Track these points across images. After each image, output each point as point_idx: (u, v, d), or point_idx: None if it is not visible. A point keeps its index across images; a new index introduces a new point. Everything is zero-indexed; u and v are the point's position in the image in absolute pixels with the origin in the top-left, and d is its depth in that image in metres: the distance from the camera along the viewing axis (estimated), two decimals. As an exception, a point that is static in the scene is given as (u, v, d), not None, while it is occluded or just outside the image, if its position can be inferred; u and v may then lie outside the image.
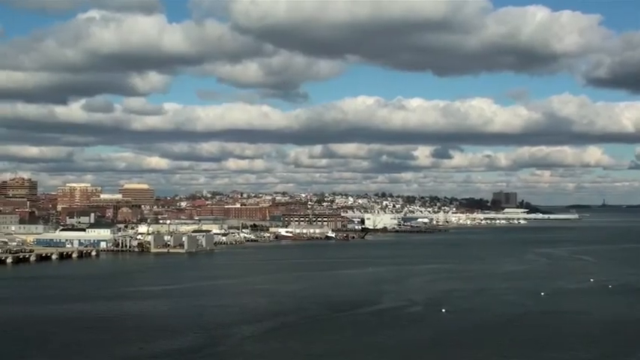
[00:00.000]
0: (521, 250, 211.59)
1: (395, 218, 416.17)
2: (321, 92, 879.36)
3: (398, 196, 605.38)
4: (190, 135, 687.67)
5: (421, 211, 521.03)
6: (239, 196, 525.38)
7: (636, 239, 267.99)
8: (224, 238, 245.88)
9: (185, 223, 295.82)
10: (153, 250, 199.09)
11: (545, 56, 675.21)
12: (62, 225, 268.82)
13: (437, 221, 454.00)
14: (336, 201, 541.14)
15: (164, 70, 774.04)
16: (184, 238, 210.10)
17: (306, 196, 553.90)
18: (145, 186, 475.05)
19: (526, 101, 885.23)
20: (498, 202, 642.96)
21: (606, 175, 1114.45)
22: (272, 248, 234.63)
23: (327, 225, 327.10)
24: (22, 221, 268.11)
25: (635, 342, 75.46)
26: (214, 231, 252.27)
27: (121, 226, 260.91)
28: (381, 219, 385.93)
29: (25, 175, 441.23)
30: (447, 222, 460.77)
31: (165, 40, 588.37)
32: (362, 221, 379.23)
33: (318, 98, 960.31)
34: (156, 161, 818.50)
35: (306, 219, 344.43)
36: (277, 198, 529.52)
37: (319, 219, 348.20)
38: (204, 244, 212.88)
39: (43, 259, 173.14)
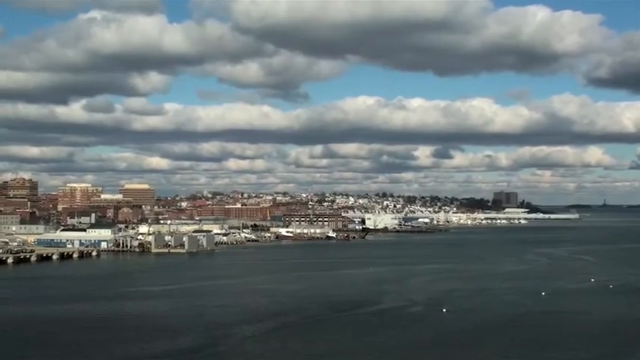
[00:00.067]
0: (521, 250, 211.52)
1: (395, 218, 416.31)
2: (321, 92, 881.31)
3: (398, 196, 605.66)
4: (191, 135, 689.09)
5: (422, 211, 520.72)
6: (240, 196, 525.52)
7: (637, 239, 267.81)
8: (225, 238, 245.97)
9: (186, 224, 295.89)
10: (153, 250, 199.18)
11: (546, 56, 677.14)
12: (63, 225, 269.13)
13: (437, 221, 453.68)
14: (337, 201, 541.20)
15: (165, 70, 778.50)
16: (185, 239, 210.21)
17: (307, 196, 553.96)
18: (145, 186, 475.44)
19: (527, 101, 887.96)
20: (499, 202, 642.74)
21: (607, 175, 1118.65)
22: (273, 248, 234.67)
23: (328, 225, 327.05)
24: (22, 221, 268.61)
25: (635, 342, 75.44)
26: (215, 231, 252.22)
27: (122, 226, 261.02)
28: (382, 219, 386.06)
29: (26, 176, 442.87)
30: (447, 222, 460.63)
31: (166, 40, 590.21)
32: (362, 221, 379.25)
33: (319, 98, 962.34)
34: (156, 161, 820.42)
35: (307, 219, 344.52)
36: (278, 198, 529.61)
37: (320, 219, 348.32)
38: (204, 244, 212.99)
39: (44, 259, 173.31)
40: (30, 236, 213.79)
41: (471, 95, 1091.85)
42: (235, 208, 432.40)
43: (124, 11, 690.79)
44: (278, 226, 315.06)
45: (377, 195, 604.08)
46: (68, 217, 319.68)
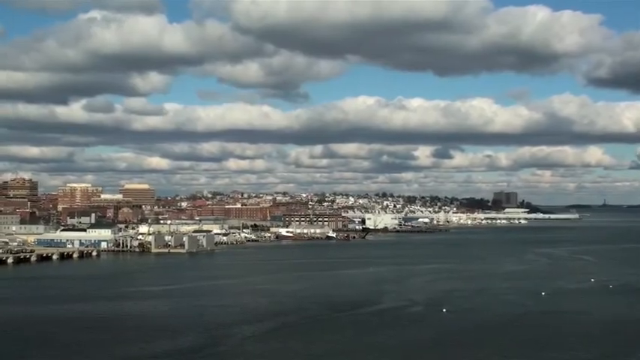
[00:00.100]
0: (521, 250, 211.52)
1: (395, 218, 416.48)
2: (321, 92, 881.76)
3: (399, 196, 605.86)
4: (191, 135, 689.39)
5: (422, 211, 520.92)
6: (240, 196, 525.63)
7: (637, 239, 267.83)
8: (225, 238, 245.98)
9: (186, 224, 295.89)
10: (153, 250, 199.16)
11: (546, 56, 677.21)
12: (63, 225, 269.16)
13: (437, 221, 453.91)
14: (337, 201, 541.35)
15: (165, 70, 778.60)
16: (185, 239, 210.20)
17: (307, 196, 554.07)
18: (145, 186, 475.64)
19: (527, 101, 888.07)
20: (499, 202, 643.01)
21: (607, 175, 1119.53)
22: (273, 248, 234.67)
23: (328, 225, 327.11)
24: (22, 221, 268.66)
25: (635, 342, 75.44)
26: (215, 231, 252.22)
27: (122, 226, 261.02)
28: (382, 219, 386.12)
29: (26, 176, 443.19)
30: (447, 222, 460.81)
31: (166, 40, 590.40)
32: (363, 221, 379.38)
33: (319, 98, 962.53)
34: (156, 161, 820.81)
35: (307, 219, 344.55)
36: (278, 198, 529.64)
37: (320, 219, 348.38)
38: (204, 244, 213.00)
39: (44, 259, 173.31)
40: (30, 236, 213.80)
41: (470, 95, 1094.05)
42: (235, 208, 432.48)
43: (124, 11, 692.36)
44: (278, 226, 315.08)
45: (377, 195, 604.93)
46: (68, 217, 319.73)
